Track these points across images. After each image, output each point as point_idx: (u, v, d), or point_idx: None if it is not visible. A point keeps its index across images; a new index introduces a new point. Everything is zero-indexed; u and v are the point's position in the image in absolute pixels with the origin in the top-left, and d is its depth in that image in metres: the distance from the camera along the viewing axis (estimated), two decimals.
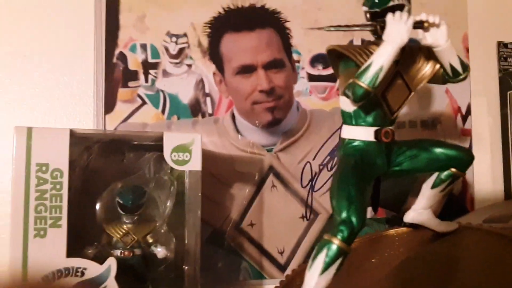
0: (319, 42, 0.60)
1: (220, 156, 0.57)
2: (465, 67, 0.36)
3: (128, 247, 0.41)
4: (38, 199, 0.35)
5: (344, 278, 0.31)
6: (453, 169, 0.37)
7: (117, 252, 0.41)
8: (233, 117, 0.58)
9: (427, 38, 0.34)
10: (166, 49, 0.57)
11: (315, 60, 0.60)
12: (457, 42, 0.63)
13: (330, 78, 0.60)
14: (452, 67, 0.35)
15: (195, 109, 0.57)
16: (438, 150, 0.37)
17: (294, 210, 0.58)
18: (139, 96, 0.56)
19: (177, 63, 0.57)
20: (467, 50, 0.63)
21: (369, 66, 0.32)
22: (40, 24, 0.54)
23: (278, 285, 0.43)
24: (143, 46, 0.56)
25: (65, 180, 0.36)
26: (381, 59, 0.32)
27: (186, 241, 0.45)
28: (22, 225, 0.35)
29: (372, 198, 0.37)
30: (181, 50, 0.57)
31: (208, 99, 0.57)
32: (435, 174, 0.38)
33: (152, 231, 0.43)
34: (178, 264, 0.45)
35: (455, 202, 0.61)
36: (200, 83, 0.57)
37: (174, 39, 0.57)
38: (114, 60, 0.55)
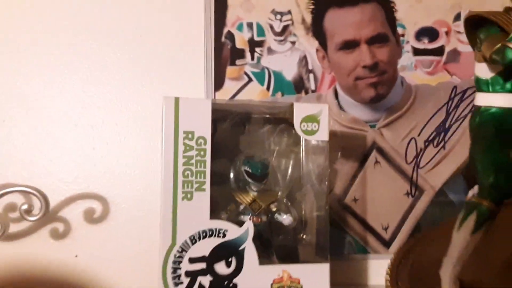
0: (425, 16, 0.58)
1: None
2: None
3: (256, 213, 0.43)
4: (185, 165, 0.38)
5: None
6: None
7: (246, 218, 0.43)
8: (335, 93, 0.58)
9: None
10: (271, 27, 0.58)
11: (421, 33, 0.58)
12: None
13: (436, 52, 0.58)
14: None
15: (299, 86, 0.58)
16: None
17: (398, 187, 0.58)
18: (246, 73, 0.57)
19: (281, 41, 0.58)
20: None
21: None
22: (153, 7, 0.57)
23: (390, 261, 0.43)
24: (249, 25, 0.57)
25: (208, 147, 0.38)
26: None
27: (303, 212, 0.46)
28: (172, 188, 0.37)
29: None
30: (285, 28, 0.58)
31: (311, 75, 0.58)
32: None
33: (276, 200, 0.44)
34: (297, 233, 0.46)
35: None
36: (304, 59, 0.58)
37: (278, 16, 0.58)
38: (223, 39, 0.57)
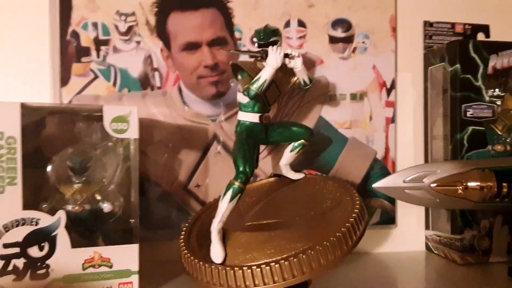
0: (259, 22, 0.65)
1: (169, 125, 0.64)
2: (311, 80, 0.57)
3: (78, 203, 0.48)
4: None
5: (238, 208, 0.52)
6: (302, 140, 0.57)
7: (69, 207, 0.48)
8: (180, 90, 0.64)
9: (291, 63, 0.55)
10: (116, 27, 0.62)
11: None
12: (385, 23, 0.70)
13: None
14: (304, 81, 0.57)
15: (145, 83, 0.63)
16: (294, 128, 0.57)
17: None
18: (92, 70, 0.61)
19: (126, 40, 0.62)
20: (394, 29, 0.70)
21: (258, 78, 0.51)
22: None
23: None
24: (94, 25, 0.61)
25: (18, 145, 0.42)
26: (265, 75, 0.51)
27: (131, 199, 0.52)
28: None
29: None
30: (130, 28, 0.62)
31: (156, 73, 0.63)
32: (292, 143, 0.58)
33: (100, 190, 0.50)
34: (126, 218, 0.52)
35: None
36: (149, 58, 0.63)
37: (123, 17, 0.62)
38: (68, 37, 0.60)
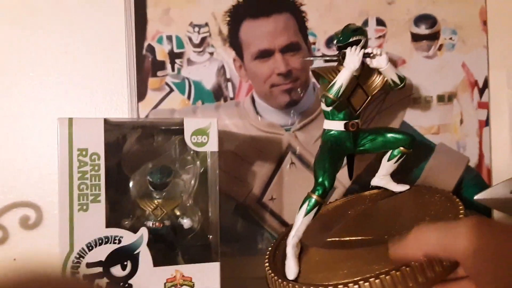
0: (334, 24, 0.62)
1: (242, 136, 0.62)
2: (402, 79, 0.51)
3: (158, 219, 0.47)
4: (80, 179, 0.42)
5: (330, 223, 0.50)
6: (401, 148, 0.52)
7: (150, 223, 0.47)
8: (252, 100, 0.62)
9: (373, 63, 0.49)
10: (190, 39, 0.61)
11: (330, 41, 0.62)
12: (474, 16, 0.63)
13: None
14: (393, 81, 0.50)
15: (218, 94, 0.62)
16: (389, 135, 0.52)
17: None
18: (167, 84, 0.61)
19: (200, 52, 0.61)
20: (485, 23, 0.63)
21: (334, 83, 0.47)
22: (76, 24, 0.60)
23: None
24: (169, 38, 0.61)
25: (102, 162, 0.42)
26: (341, 79, 0.47)
27: (209, 214, 0.51)
28: (68, 201, 0.41)
29: (348, 170, 0.56)
30: (203, 39, 0.61)
31: (229, 84, 0.62)
32: (390, 151, 0.52)
33: (179, 205, 0.49)
34: (204, 234, 0.51)
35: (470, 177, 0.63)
36: (222, 69, 0.62)
37: (196, 29, 0.61)
38: (144, 52, 0.61)
